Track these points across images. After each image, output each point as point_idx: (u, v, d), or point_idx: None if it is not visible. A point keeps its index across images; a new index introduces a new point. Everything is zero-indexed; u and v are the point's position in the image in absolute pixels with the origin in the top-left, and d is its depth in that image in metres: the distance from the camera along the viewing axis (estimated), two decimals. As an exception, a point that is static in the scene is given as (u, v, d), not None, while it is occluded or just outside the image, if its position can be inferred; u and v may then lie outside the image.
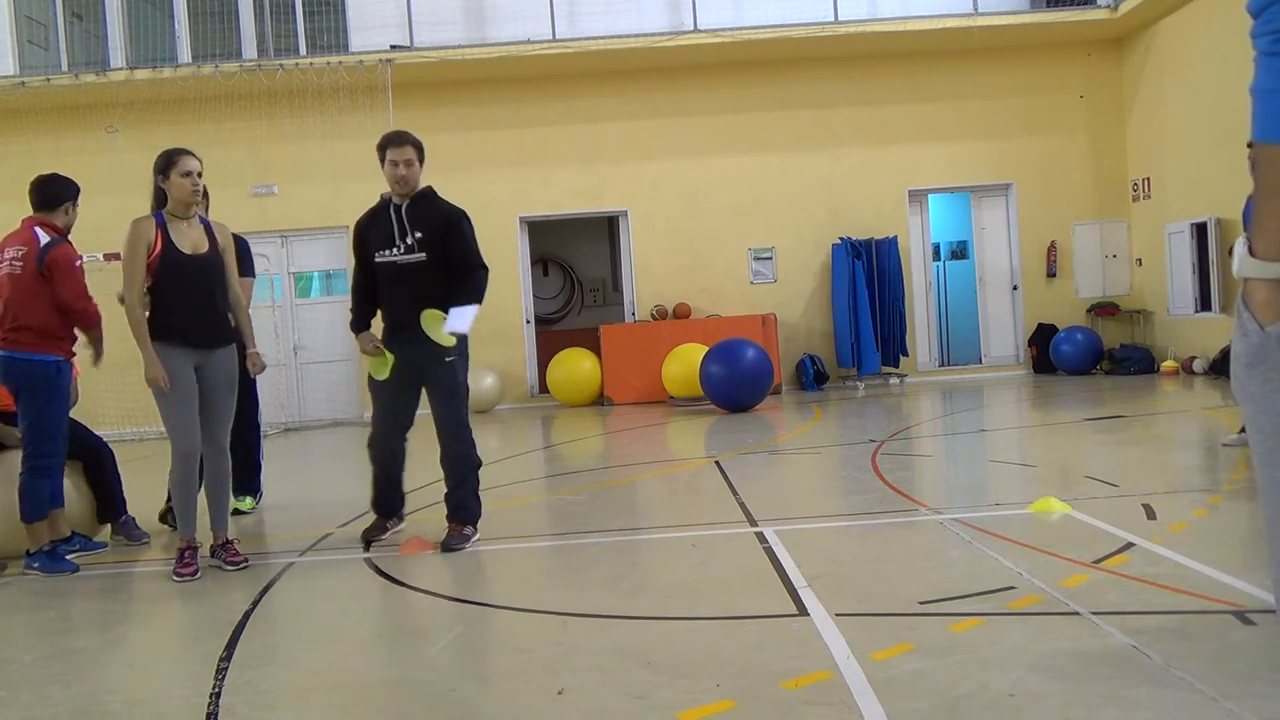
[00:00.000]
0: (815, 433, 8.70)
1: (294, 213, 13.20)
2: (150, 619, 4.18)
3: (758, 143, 13.35)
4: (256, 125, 12.77)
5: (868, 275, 12.57)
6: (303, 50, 12.79)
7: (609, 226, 15.07)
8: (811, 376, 12.98)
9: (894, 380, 12.92)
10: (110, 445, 5.74)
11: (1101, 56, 13.40)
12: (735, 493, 5.93)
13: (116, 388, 9.68)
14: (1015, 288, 13.67)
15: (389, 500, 5.28)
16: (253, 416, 6.50)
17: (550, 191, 13.35)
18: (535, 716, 2.73)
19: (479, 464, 5.10)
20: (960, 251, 14.33)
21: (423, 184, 5.03)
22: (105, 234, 8.19)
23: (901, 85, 13.32)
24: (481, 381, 12.77)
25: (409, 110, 12.65)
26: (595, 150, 13.34)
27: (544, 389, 13.43)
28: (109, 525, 5.63)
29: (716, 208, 13.38)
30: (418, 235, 4.88)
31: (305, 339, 13.26)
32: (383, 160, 4.94)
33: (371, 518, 5.31)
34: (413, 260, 4.88)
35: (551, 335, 14.79)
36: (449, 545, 4.91)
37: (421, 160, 4.99)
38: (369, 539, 5.18)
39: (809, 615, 3.41)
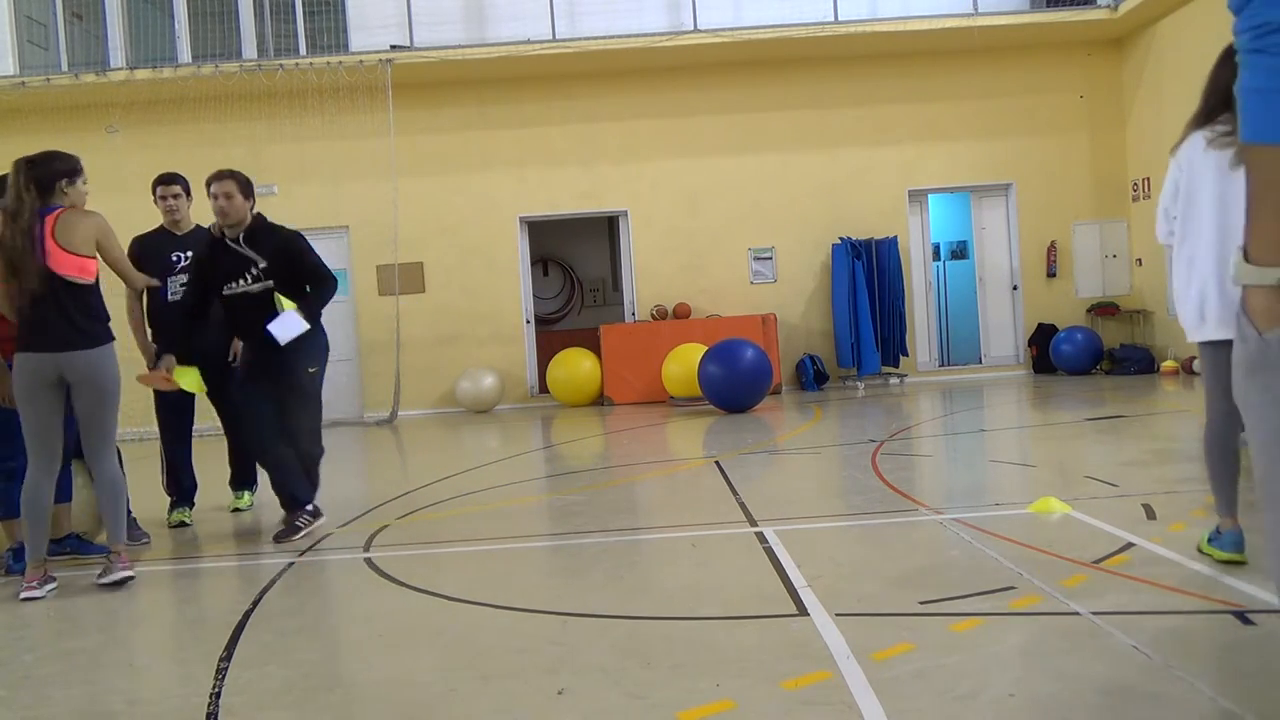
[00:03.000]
0: (815, 433, 8.70)
1: (294, 213, 13.11)
2: (150, 619, 4.18)
3: (758, 143, 13.35)
4: (256, 125, 12.74)
5: (868, 275, 12.56)
6: (303, 50, 12.77)
7: (609, 226, 15.07)
8: (811, 376, 12.98)
9: (894, 380, 12.93)
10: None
11: (1101, 56, 13.40)
12: (735, 493, 5.93)
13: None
14: (1015, 288, 13.67)
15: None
16: None
17: (550, 191, 13.34)
18: (535, 716, 2.73)
19: (321, 454, 5.48)
20: (960, 251, 14.32)
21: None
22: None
23: (901, 85, 13.32)
24: (481, 381, 12.78)
25: (409, 110, 12.68)
26: (595, 150, 13.33)
27: (544, 389, 13.43)
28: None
29: (716, 208, 13.38)
30: (261, 266, 5.18)
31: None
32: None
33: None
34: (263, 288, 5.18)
35: (551, 335, 14.79)
36: (279, 537, 5.20)
37: (246, 193, 5.32)
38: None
39: (809, 615, 3.41)
